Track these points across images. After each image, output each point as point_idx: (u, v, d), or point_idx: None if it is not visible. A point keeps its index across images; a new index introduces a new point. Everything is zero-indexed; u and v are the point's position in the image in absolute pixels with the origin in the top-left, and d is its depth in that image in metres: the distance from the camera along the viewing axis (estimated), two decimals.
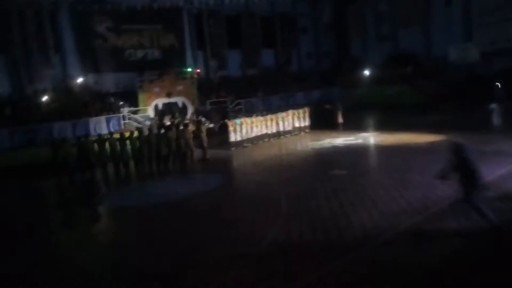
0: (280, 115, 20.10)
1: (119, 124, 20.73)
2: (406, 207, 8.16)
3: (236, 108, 24.43)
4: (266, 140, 19.05)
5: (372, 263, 5.97)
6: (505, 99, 22.97)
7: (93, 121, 20.10)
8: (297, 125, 20.69)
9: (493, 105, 16.34)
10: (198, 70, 28.46)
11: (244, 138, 18.24)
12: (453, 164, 6.54)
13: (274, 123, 19.66)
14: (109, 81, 24.78)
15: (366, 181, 10.48)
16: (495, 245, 6.20)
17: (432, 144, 14.25)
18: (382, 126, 20.40)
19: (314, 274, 5.75)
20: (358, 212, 8.16)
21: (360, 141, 17.00)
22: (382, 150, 14.83)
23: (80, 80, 23.58)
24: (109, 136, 16.06)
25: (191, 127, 16.54)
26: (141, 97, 22.97)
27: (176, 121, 19.56)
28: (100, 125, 20.09)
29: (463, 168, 6.48)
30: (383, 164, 12.81)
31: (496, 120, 17.43)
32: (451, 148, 6.77)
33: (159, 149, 15.42)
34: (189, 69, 27.46)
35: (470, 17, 28.41)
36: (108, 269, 6.95)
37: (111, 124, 20.53)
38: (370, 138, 17.71)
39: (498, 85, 18.93)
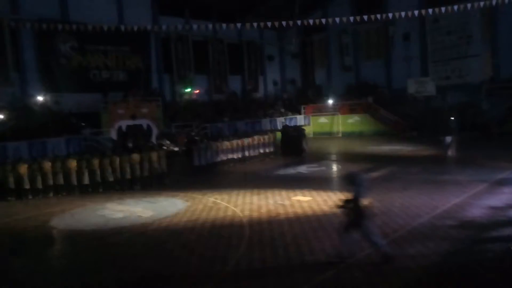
0: (246, 140, 20.23)
1: (79, 145, 20.09)
2: None
3: (202, 132, 24.35)
4: (231, 165, 19.04)
5: None
6: (458, 131, 24.18)
7: (51, 141, 19.37)
8: (262, 151, 20.88)
9: (448, 138, 17.29)
10: (198, 91, 28.46)
11: (209, 162, 18.17)
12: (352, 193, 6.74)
13: (239, 148, 19.74)
14: (71, 101, 24.12)
15: (329, 208, 10.62)
16: (455, 269, 6.38)
17: (390, 173, 14.69)
18: (345, 154, 20.92)
19: None
20: (320, 238, 8.22)
21: (323, 168, 17.30)
22: (344, 177, 15.12)
23: (40, 99, 22.86)
24: (67, 157, 15.59)
25: (154, 151, 16.29)
26: (104, 118, 22.48)
27: (139, 143, 19.27)
28: (59, 146, 19.38)
29: (355, 198, 6.64)
30: (345, 191, 13.03)
31: (451, 151, 18.31)
32: (348, 178, 7.04)
33: (122, 172, 15.08)
34: (188, 89, 27.46)
35: (426, 53, 30.08)
36: None
37: (71, 145, 19.86)
38: (333, 165, 18.07)
39: (452, 118, 20.22)
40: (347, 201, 6.74)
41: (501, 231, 7.98)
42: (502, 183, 11.87)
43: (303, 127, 22.72)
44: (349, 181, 6.84)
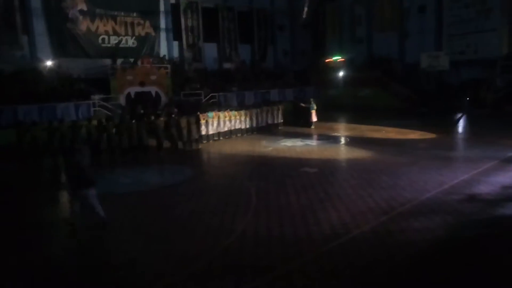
0: (254, 111, 20.14)
1: (88, 111, 20.14)
2: (373, 206, 8.34)
3: (210, 101, 24.24)
4: (239, 135, 19.04)
5: (339, 259, 6.07)
6: (471, 109, 23.91)
7: (60, 106, 19.43)
8: (270, 121, 20.81)
9: (460, 115, 17.03)
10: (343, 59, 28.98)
11: (216, 131, 18.17)
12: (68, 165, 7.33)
13: (247, 118, 19.67)
14: (80, 66, 24.02)
15: (336, 180, 10.65)
16: (458, 244, 6.42)
17: (400, 148, 14.61)
18: (355, 127, 20.79)
19: (282, 269, 5.80)
20: (326, 209, 8.28)
21: (331, 140, 17.24)
22: (353, 150, 15.09)
23: (49, 63, 22.80)
24: (86, 122, 15.79)
25: (163, 118, 16.39)
26: (113, 84, 22.43)
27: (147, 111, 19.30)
28: (68, 111, 19.45)
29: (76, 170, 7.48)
30: (353, 164, 13.04)
31: (462, 128, 18.14)
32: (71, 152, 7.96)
33: (139, 138, 15.32)
34: (337, 57, 27.98)
35: (441, 27, 29.27)
36: (71, 256, 6.77)
37: (80, 110, 19.92)
38: (342, 138, 17.99)
39: (467, 98, 19.97)
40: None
41: (508, 207, 7.97)
42: (511, 161, 11.76)
43: (313, 99, 22.48)
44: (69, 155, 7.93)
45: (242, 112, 19.63)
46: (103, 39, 25.61)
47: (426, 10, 30.00)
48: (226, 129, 18.61)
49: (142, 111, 19.73)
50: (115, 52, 25.58)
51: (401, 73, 29.80)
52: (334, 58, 33.16)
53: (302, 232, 7.13)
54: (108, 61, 24.65)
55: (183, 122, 16.25)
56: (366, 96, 29.54)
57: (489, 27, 26.70)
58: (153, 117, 16.45)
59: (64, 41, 24.03)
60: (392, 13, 32.34)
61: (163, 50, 28.53)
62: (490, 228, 7.03)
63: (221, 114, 18.63)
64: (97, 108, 20.54)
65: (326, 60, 33.13)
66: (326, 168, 11.91)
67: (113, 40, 26.02)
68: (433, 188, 9.36)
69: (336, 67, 32.26)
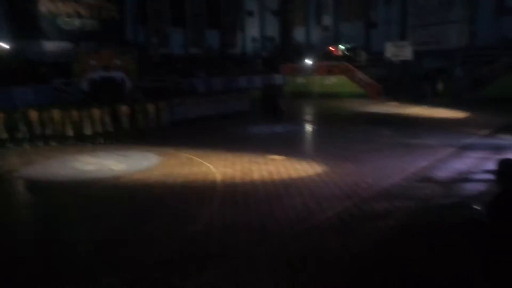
0: (222, 97, 20.03)
1: (48, 96, 19.36)
2: (338, 192, 8.51)
3: (177, 87, 23.84)
4: (206, 122, 18.89)
5: (304, 244, 6.17)
6: (433, 97, 24.76)
7: (18, 90, 18.58)
8: (237, 108, 20.76)
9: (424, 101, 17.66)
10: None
11: (183, 118, 17.97)
12: None
13: (214, 105, 19.55)
14: (40, 49, 23.05)
15: (301, 166, 10.78)
16: (421, 230, 6.66)
17: (364, 135, 14.95)
18: (321, 115, 21.08)
19: (247, 254, 5.84)
20: (291, 195, 8.38)
21: (298, 128, 17.41)
22: (319, 137, 15.33)
23: (7, 45, 21.70)
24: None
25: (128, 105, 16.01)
26: (75, 68, 21.61)
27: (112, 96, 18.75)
28: (26, 95, 18.64)
29: None
30: (318, 150, 13.25)
31: (424, 114, 18.80)
32: None
33: (102, 124, 14.93)
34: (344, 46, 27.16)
35: (406, 18, 29.95)
36: (25, 246, 6.54)
37: (39, 94, 19.12)
38: (308, 125, 18.21)
39: (428, 88, 20.78)
40: None
41: (465, 193, 8.33)
42: (468, 147, 12.28)
43: (281, 87, 22.61)
44: None
45: (210, 98, 19.51)
46: (65, 22, 24.60)
47: (391, 0, 30.58)
48: (194, 115, 18.44)
49: (104, 97, 19.15)
50: (78, 35, 24.65)
51: (365, 61, 30.35)
52: (341, 46, 32.31)
53: (267, 218, 7.19)
54: (70, 45, 23.72)
55: (151, 108, 15.93)
56: (331, 84, 29.98)
57: (451, 19, 27.58)
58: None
59: (23, 22, 22.91)
60: (358, 3, 32.79)
61: (128, 35, 27.75)
62: (448, 213, 7.33)
63: (188, 100, 18.44)
64: (58, 93, 19.78)
65: (330, 48, 32.44)
66: (293, 156, 12.04)
67: (76, 23, 25.04)
68: (395, 174, 9.64)
69: (340, 56, 31.43)
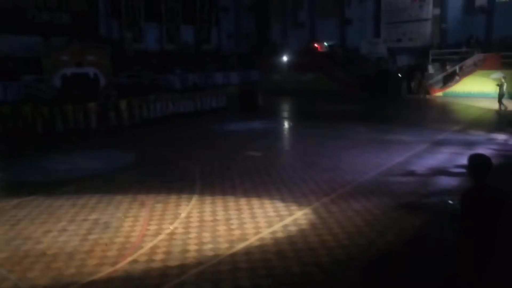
0: (198, 94, 19.87)
1: (18, 92, 18.74)
2: (315, 188, 8.59)
3: (152, 83, 23.50)
4: (183, 118, 18.71)
5: (282, 241, 6.19)
6: (406, 93, 25.28)
7: None
8: (214, 105, 20.64)
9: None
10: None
11: (159, 115, 17.74)
12: None
13: (191, 101, 19.37)
14: (7, 43, 22.18)
15: (279, 163, 10.82)
16: (396, 223, 6.80)
17: (340, 132, 15.13)
18: (296, 112, 21.21)
19: (227, 251, 5.82)
20: (269, 191, 8.41)
21: (275, 124, 17.46)
22: (296, 134, 15.42)
23: None
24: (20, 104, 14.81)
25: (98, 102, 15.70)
26: (46, 64, 20.98)
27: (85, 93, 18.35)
28: None
29: None
30: (296, 147, 13.32)
31: (396, 112, 19.17)
32: None
33: (75, 121, 14.59)
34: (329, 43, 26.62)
35: (380, 15, 30.42)
36: None
37: (8, 91, 18.48)
38: (285, 122, 18.29)
39: (399, 75, 21.17)
40: None
41: (438, 187, 8.56)
42: (441, 143, 12.61)
43: (258, 83, 22.61)
44: None
45: (186, 95, 19.32)
46: (33, 15, 23.79)
47: None
48: (169, 112, 18.22)
49: (78, 93, 18.70)
50: (48, 29, 23.89)
51: (342, 59, 30.68)
52: (326, 43, 32.31)
53: (246, 216, 7.19)
54: (39, 39, 22.98)
55: (123, 104, 15.64)
56: (308, 81, 30.20)
57: (422, 17, 28.18)
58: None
59: None
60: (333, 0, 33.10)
61: (101, 29, 27.12)
62: (421, 208, 7.51)
63: (164, 97, 18.19)
64: (28, 90, 19.16)
65: (314, 44, 32.32)
66: (270, 152, 12.06)
67: (45, 16, 24.27)
68: (371, 170, 9.80)
69: (324, 53, 31.51)
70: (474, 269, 3.88)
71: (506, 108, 17.77)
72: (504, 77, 18.97)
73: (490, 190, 3.72)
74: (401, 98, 24.38)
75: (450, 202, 4.11)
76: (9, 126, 14.08)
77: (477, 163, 3.79)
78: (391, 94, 25.23)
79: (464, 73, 24.67)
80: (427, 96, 24.96)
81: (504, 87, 18.24)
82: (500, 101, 18.01)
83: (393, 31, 29.66)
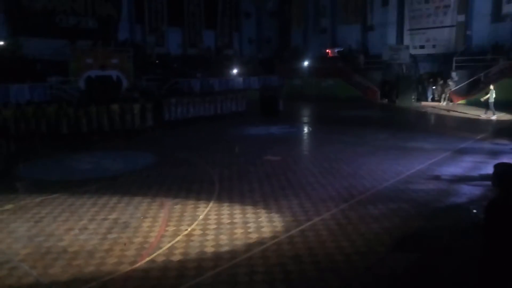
0: (219, 97, 20.02)
1: (45, 94, 19.24)
2: (334, 194, 8.54)
3: (173, 87, 23.78)
4: (203, 122, 18.88)
5: (300, 246, 6.18)
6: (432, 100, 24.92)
7: (14, 87, 18.44)
8: (234, 109, 20.75)
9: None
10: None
11: (180, 118, 17.94)
12: None
13: (212, 105, 19.54)
14: (36, 46, 22.81)
15: (298, 168, 10.80)
16: (415, 231, 6.69)
17: (360, 138, 14.99)
18: (317, 117, 21.14)
19: (243, 255, 5.84)
20: (288, 196, 8.40)
21: (295, 129, 17.44)
22: (315, 140, 15.37)
23: (1, 42, 21.57)
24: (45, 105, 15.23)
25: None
26: (72, 67, 21.50)
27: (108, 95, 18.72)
28: (22, 93, 18.49)
29: None
30: (315, 153, 13.27)
31: (418, 119, 18.89)
32: None
33: (98, 122, 14.90)
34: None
35: (403, 21, 30.07)
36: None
37: (35, 92, 18.98)
38: (305, 127, 18.25)
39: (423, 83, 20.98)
40: None
41: (460, 197, 8.37)
42: (463, 152, 12.35)
43: (279, 88, 22.65)
44: None
45: (206, 98, 19.48)
46: (60, 19, 24.45)
47: (388, 3, 30.69)
48: (190, 116, 18.41)
49: (102, 96, 19.06)
50: (74, 33, 24.52)
51: (363, 64, 30.42)
52: (336, 49, 32.34)
53: (264, 219, 7.20)
54: (66, 42, 23.57)
55: (136, 108, 15.78)
56: (328, 86, 30.05)
57: (447, 23, 27.72)
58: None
59: (19, 19, 22.76)
60: (356, 5, 32.88)
61: (125, 33, 27.67)
62: (442, 218, 7.37)
63: (185, 100, 18.40)
64: (53, 91, 19.66)
65: (327, 50, 32.41)
66: (289, 157, 12.06)
67: (72, 20, 24.90)
68: (391, 177, 9.68)
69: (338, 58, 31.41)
70: (496, 282, 3.79)
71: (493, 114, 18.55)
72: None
73: None
74: (422, 106, 23.98)
75: (474, 211, 4.02)
76: (32, 126, 14.44)
77: (504, 172, 3.71)
78: (411, 100, 24.85)
79: (489, 81, 24.12)
80: (450, 104, 24.49)
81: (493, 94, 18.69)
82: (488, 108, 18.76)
83: (417, 37, 29.26)
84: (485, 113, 19.02)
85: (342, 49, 31.99)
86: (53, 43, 23.46)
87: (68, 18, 24.78)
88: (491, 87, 19.09)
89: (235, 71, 29.68)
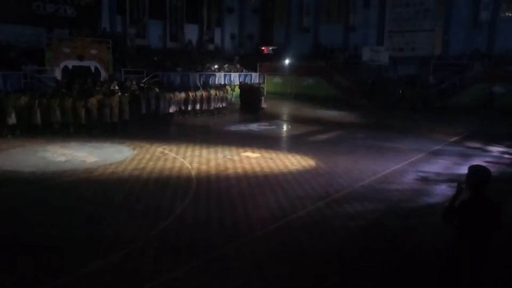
0: (199, 93, 19.86)
1: (18, 83, 18.69)
2: (310, 192, 8.61)
3: (152, 81, 23.49)
4: (182, 117, 18.73)
5: (275, 242, 6.22)
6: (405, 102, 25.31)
7: None
8: (215, 105, 20.63)
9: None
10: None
11: (159, 112, 17.72)
12: None
13: (191, 100, 19.38)
14: (10, 33, 22.12)
15: (276, 165, 10.84)
16: (388, 229, 6.83)
17: (338, 137, 15.17)
18: (296, 116, 21.25)
19: (217, 251, 5.83)
20: (265, 193, 8.43)
21: (274, 127, 17.50)
22: (293, 137, 15.44)
23: None
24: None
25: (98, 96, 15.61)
26: (48, 56, 20.94)
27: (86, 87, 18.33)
28: None
29: None
30: (293, 150, 13.33)
31: (396, 120, 19.20)
32: None
33: (74, 114, 14.55)
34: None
35: (383, 22, 30.49)
36: (1, 239, 6.32)
37: (8, 81, 18.41)
38: (284, 125, 18.33)
39: (400, 91, 21.25)
40: None
41: (432, 197, 8.58)
42: (437, 153, 12.65)
43: (260, 85, 22.63)
44: None
45: (186, 94, 19.29)
46: (37, 6, 23.74)
47: (370, 4, 31.07)
48: (169, 110, 18.21)
49: (77, 86, 18.62)
50: (52, 21, 23.85)
51: (343, 64, 30.72)
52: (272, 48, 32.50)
53: (240, 215, 7.21)
54: (43, 30, 22.93)
55: (114, 100, 15.43)
56: (309, 85, 30.24)
57: (426, 27, 28.25)
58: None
59: None
60: (338, 5, 33.18)
61: (104, 23, 27.11)
62: (414, 216, 7.54)
63: (164, 94, 18.16)
64: (28, 80, 19.12)
65: (262, 48, 32.55)
66: (267, 153, 12.09)
67: (49, 7, 24.22)
68: (367, 176, 9.83)
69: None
70: (463, 279, 3.91)
71: None
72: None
73: (487, 201, 3.75)
74: (400, 107, 24.39)
75: (462, 185, 4.00)
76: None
77: (477, 174, 3.81)
78: (389, 102, 25.24)
79: (464, 85, 24.75)
80: (424, 107, 24.99)
81: None
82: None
83: (396, 39, 29.70)
84: None
85: (276, 47, 32.60)
86: (29, 30, 22.76)
87: (46, 5, 24.08)
88: None
89: (216, 66, 29.52)
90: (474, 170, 3.84)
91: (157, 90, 18.38)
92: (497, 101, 18.12)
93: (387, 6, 30.05)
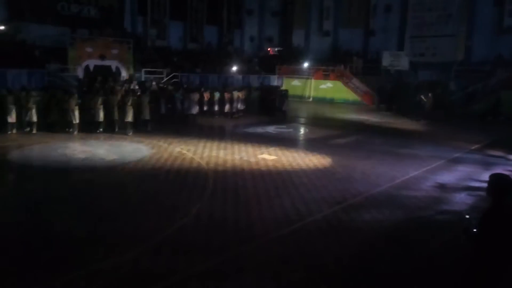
0: (217, 94, 19.96)
1: (42, 80, 19.15)
2: (327, 196, 8.56)
3: (172, 81, 23.72)
4: (201, 117, 18.82)
5: (290, 245, 6.19)
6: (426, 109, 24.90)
7: (12, 73, 18.32)
8: (234, 106, 20.64)
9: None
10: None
11: (178, 112, 17.87)
12: None
13: (211, 101, 19.50)
14: (36, 32, 22.67)
15: (292, 168, 10.81)
16: (405, 236, 6.73)
17: (355, 142, 15.03)
18: (314, 119, 21.16)
19: (232, 252, 5.85)
20: (281, 196, 8.41)
21: (291, 130, 17.46)
22: (310, 140, 15.38)
23: (2, 27, 21.40)
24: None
25: (119, 96, 15.80)
26: (71, 55, 21.39)
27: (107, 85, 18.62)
28: (20, 79, 18.38)
29: None
30: (310, 154, 13.27)
31: (416, 126, 18.94)
32: None
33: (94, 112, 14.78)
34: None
35: (405, 27, 30.14)
36: (20, 234, 6.45)
37: (32, 78, 18.87)
38: (301, 128, 18.27)
39: (422, 97, 20.94)
40: None
41: (452, 205, 8.43)
42: (457, 161, 12.42)
43: (280, 88, 22.61)
44: None
45: (206, 94, 19.42)
46: (62, 6, 24.28)
47: (391, 9, 30.77)
48: (188, 111, 18.33)
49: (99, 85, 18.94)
50: (75, 21, 24.37)
51: (362, 69, 30.50)
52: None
53: (255, 217, 7.21)
54: (67, 30, 23.44)
55: (144, 99, 15.65)
56: (327, 89, 30.10)
57: (448, 32, 27.82)
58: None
59: (20, 4, 22.57)
60: (359, 10, 32.97)
61: (126, 24, 27.56)
62: (431, 224, 7.42)
63: (184, 95, 18.32)
64: (51, 78, 19.55)
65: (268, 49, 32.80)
66: (284, 156, 12.07)
67: (74, 8, 24.75)
68: (385, 182, 9.72)
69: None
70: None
71: None
72: None
73: (509, 209, 3.66)
74: (420, 113, 24.05)
75: (467, 216, 4.02)
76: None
77: (499, 182, 3.73)
78: (409, 108, 24.87)
79: (486, 92, 24.24)
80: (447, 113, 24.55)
81: None
82: None
83: (417, 45, 29.32)
84: None
85: (282, 49, 32.36)
86: (53, 30, 23.31)
87: (70, 6, 24.62)
88: None
89: (234, 68, 29.63)
90: (496, 179, 3.76)
91: (180, 91, 18.56)
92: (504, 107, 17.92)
93: (409, 11, 29.70)
